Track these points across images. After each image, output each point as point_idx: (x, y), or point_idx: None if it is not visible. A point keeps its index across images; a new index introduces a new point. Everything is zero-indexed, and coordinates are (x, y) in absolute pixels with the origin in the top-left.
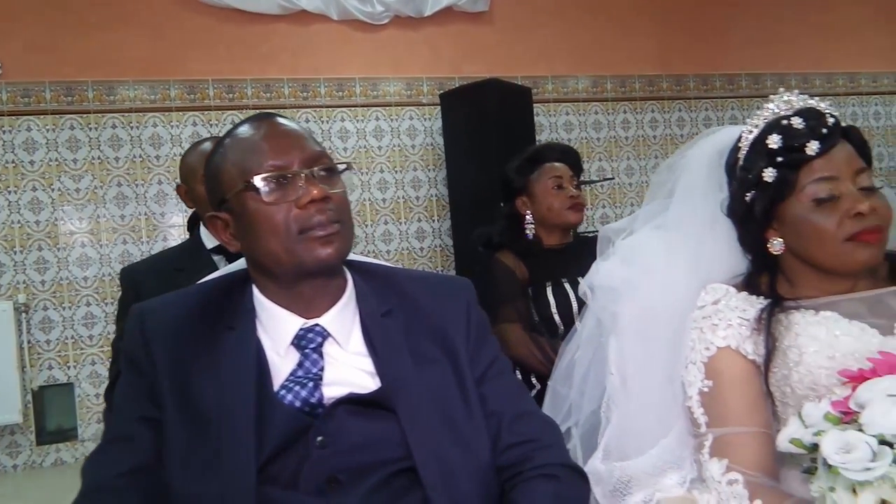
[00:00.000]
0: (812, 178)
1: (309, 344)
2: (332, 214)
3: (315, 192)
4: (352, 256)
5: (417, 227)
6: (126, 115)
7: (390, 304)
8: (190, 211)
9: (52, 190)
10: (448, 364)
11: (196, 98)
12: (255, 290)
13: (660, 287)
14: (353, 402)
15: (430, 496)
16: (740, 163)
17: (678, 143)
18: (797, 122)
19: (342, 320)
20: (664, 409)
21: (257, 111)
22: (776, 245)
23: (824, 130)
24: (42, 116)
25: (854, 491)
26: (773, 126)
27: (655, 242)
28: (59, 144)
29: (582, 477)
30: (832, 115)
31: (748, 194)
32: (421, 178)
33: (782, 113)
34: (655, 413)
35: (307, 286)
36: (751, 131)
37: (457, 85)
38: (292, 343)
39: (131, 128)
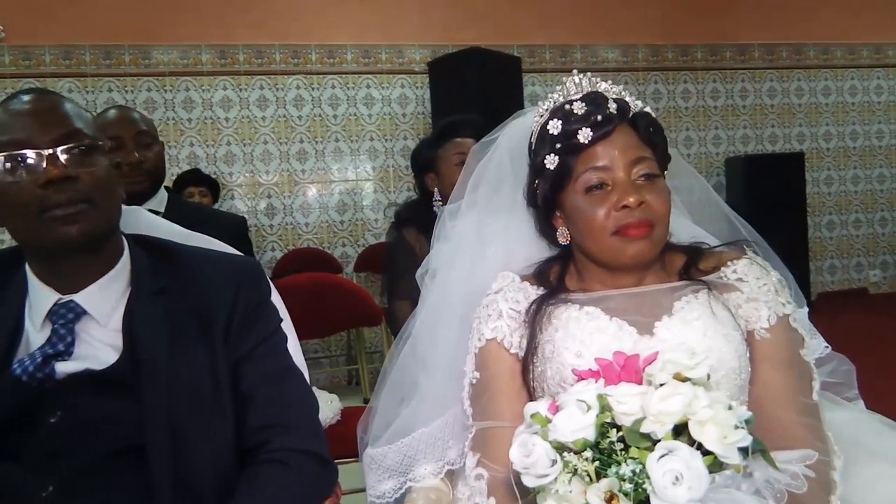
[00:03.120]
0: (586, 167)
1: (59, 319)
2: (75, 194)
3: (54, 171)
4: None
5: (407, 197)
6: (121, 79)
7: (165, 282)
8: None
9: None
10: (205, 344)
11: (189, 63)
12: (27, 265)
13: (462, 273)
14: (93, 378)
15: (153, 474)
16: (532, 147)
17: (682, 116)
18: (578, 108)
19: (104, 297)
20: (442, 399)
21: (250, 76)
22: (561, 235)
23: (599, 118)
24: (41, 79)
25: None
26: (556, 111)
27: (468, 227)
28: None
29: (320, 463)
30: (618, 101)
31: (536, 181)
32: (411, 146)
33: (570, 97)
34: (434, 402)
35: (64, 263)
36: (541, 115)
37: (450, 53)
38: (47, 317)
39: (126, 91)
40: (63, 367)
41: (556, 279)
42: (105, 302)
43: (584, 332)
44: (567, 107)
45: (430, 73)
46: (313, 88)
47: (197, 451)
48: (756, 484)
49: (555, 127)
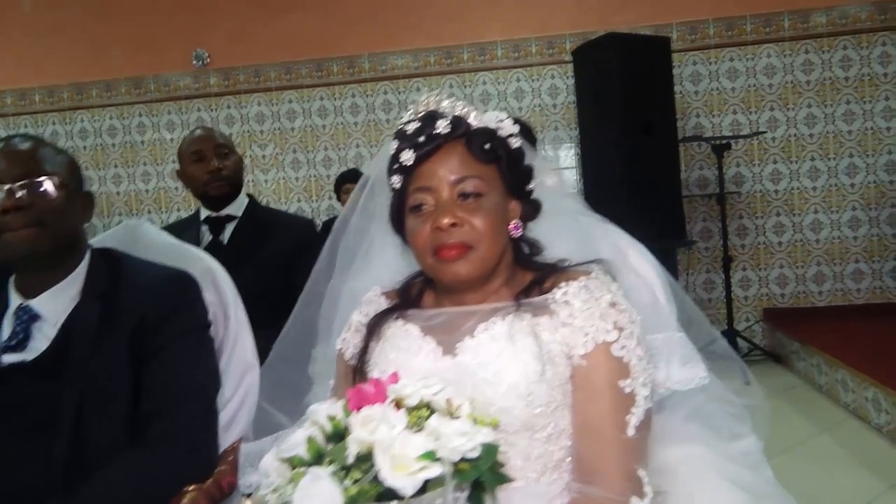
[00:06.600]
0: (414, 187)
1: (18, 320)
2: (26, 220)
3: (7, 203)
4: None
5: None
6: (299, 90)
7: (107, 287)
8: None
9: (245, 157)
10: (123, 339)
11: (354, 72)
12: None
13: (350, 282)
14: (27, 367)
15: (53, 447)
16: None
17: (879, 84)
18: (410, 128)
19: (55, 301)
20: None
21: (408, 80)
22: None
23: (421, 139)
24: (237, 95)
25: None
26: (398, 131)
27: (358, 236)
28: (250, 119)
29: (190, 451)
30: (455, 119)
31: (391, 199)
32: (562, 136)
33: (414, 116)
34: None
35: (24, 274)
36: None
37: (591, 40)
38: (13, 318)
39: (303, 101)
40: (8, 358)
41: (416, 294)
42: (56, 305)
43: (394, 349)
44: (403, 127)
45: (574, 62)
46: (465, 86)
47: (95, 431)
48: None
49: (393, 147)
